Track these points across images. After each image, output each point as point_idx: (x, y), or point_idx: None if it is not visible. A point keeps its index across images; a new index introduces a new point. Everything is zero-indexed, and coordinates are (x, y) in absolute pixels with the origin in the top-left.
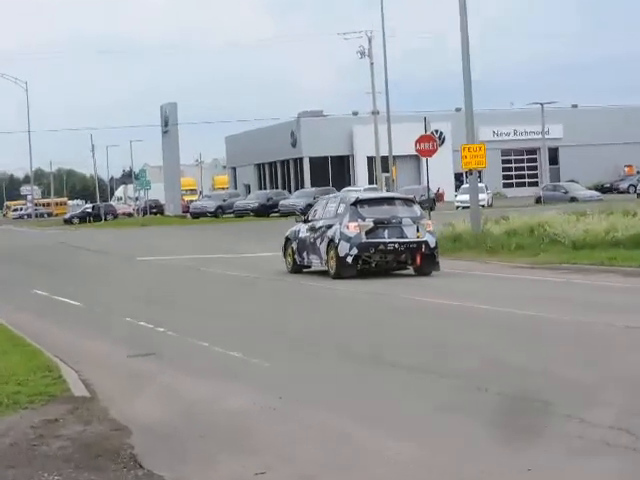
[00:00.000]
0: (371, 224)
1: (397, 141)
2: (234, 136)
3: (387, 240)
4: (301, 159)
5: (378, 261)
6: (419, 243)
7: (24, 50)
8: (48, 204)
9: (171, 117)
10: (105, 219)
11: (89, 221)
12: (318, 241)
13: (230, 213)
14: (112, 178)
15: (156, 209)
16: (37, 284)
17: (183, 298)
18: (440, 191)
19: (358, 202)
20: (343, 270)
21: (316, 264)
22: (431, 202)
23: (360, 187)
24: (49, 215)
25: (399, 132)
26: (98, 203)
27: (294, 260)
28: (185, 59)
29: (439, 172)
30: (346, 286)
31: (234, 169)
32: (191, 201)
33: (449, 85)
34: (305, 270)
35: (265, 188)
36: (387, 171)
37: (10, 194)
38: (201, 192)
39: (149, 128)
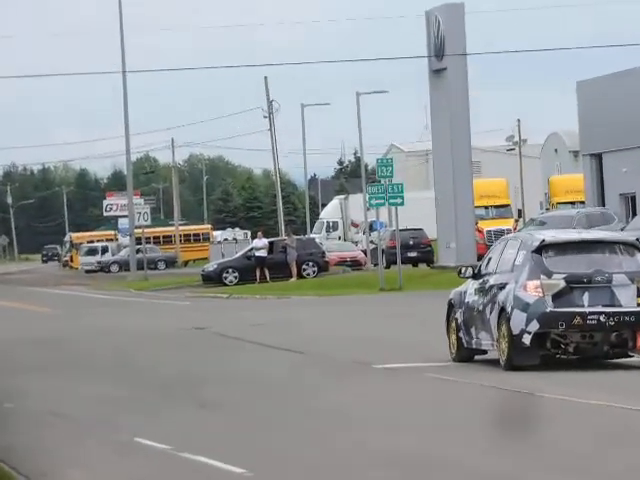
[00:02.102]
0: (561, 283)
1: None
2: (590, 82)
3: (587, 309)
4: None
5: (579, 342)
6: None
7: None
8: (167, 237)
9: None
10: (302, 274)
11: (261, 276)
12: (488, 309)
13: None
14: (313, 178)
15: (418, 251)
16: None
17: None
18: None
19: (544, 247)
20: (517, 356)
21: (487, 346)
22: None
23: None
24: (170, 263)
25: None
26: (288, 236)
27: (459, 340)
28: None
29: None
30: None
31: (597, 157)
32: (499, 231)
33: None
34: (478, 357)
35: None
36: None
37: (75, 214)
38: (547, 208)
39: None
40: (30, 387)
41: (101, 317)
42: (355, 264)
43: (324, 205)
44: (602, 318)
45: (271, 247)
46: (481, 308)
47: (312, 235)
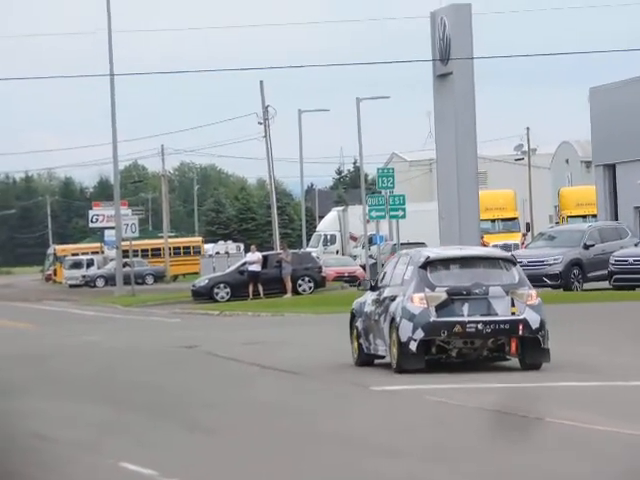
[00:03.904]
0: (443, 295)
1: None
2: (604, 88)
3: (466, 319)
4: None
5: (461, 348)
6: (514, 323)
7: None
8: (155, 250)
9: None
10: (297, 290)
11: (255, 292)
12: (382, 319)
13: (599, 278)
14: (311, 188)
15: None
16: None
17: None
18: None
19: (429, 263)
20: (405, 361)
21: (382, 351)
22: None
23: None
24: (158, 277)
25: None
26: (283, 250)
27: (360, 346)
28: None
29: None
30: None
31: (610, 168)
32: (505, 246)
33: None
34: (378, 361)
35: None
36: None
37: (59, 225)
38: (557, 222)
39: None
40: (12, 408)
41: (86, 334)
42: (354, 280)
43: (321, 217)
44: (480, 326)
45: (265, 261)
46: (377, 318)
47: (308, 249)
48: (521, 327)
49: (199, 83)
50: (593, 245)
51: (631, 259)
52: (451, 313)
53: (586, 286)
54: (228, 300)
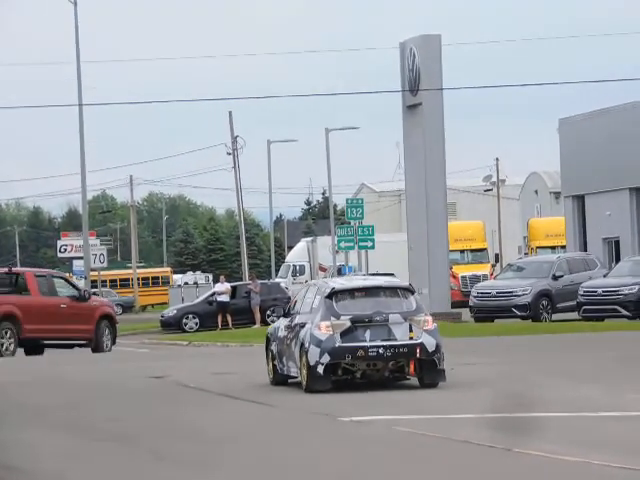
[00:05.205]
0: (347, 323)
1: None
2: (573, 119)
3: (368, 344)
4: None
5: (365, 370)
6: (412, 346)
7: None
8: (124, 280)
9: None
10: (266, 320)
11: (223, 322)
12: (293, 343)
13: (568, 309)
14: (279, 219)
15: None
16: None
17: None
18: None
19: (334, 293)
20: (313, 382)
21: (294, 372)
22: None
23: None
24: (127, 308)
25: None
26: (252, 281)
27: (274, 367)
28: None
29: None
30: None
31: (578, 199)
32: (474, 277)
33: None
34: (291, 381)
35: None
36: None
37: (29, 255)
38: (526, 253)
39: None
40: None
41: (51, 365)
42: None
43: (290, 247)
44: (381, 350)
45: (234, 292)
46: (289, 342)
47: (277, 279)
48: (418, 350)
49: (168, 113)
50: (562, 276)
51: (600, 290)
52: (354, 339)
53: (555, 317)
54: (197, 330)
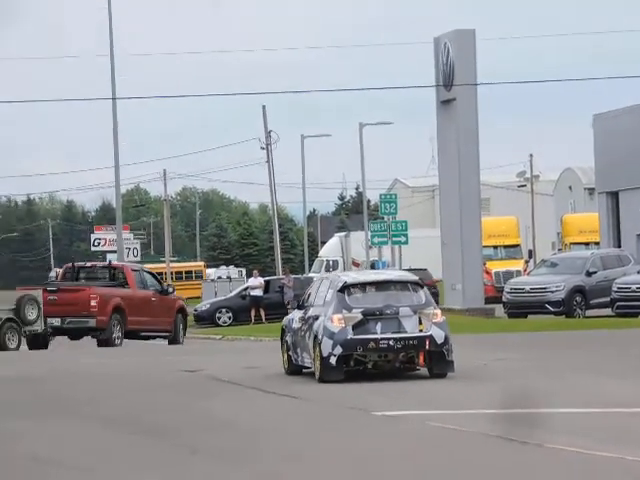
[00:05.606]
0: (359, 316)
1: None
2: (607, 115)
3: (379, 336)
4: None
5: (377, 361)
6: (421, 338)
7: None
8: (158, 275)
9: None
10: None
11: (257, 317)
12: (307, 335)
13: (601, 305)
14: (313, 214)
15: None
16: None
17: None
18: None
19: (346, 287)
20: (326, 373)
21: (308, 363)
22: None
23: None
24: None
25: None
26: (285, 275)
27: (289, 358)
28: None
29: None
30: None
31: (612, 195)
32: (508, 273)
33: None
34: (306, 371)
35: None
36: None
37: (61, 248)
38: (560, 249)
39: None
40: (5, 428)
41: (87, 358)
42: None
43: (324, 242)
44: (392, 342)
45: (267, 286)
46: (303, 334)
47: (311, 274)
48: (427, 342)
49: (202, 107)
50: (596, 272)
51: (634, 286)
52: (366, 331)
53: (589, 313)
54: (230, 325)
